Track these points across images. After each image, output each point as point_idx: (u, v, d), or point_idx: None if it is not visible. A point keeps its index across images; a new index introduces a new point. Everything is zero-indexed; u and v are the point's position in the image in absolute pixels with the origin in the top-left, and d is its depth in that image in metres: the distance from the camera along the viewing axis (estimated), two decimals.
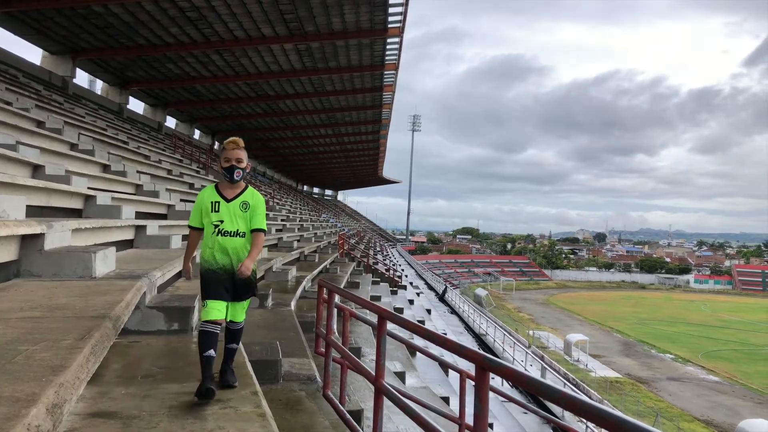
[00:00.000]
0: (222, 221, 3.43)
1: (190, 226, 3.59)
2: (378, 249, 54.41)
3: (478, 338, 34.24)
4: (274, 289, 9.25)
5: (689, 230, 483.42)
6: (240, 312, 3.54)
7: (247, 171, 3.57)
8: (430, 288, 52.06)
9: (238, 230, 3.45)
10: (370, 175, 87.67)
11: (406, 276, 45.85)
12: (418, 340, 10.74)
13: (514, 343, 32.37)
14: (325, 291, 5.30)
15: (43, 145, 9.20)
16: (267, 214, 6.03)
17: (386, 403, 3.37)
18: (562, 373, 29.29)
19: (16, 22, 21.67)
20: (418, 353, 12.41)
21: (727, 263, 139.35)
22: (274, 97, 36.27)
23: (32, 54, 24.65)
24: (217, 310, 3.36)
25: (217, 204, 3.46)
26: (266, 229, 3.63)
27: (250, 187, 3.58)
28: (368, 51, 28.81)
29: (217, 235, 3.41)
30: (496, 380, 16.14)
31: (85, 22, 22.18)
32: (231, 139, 3.53)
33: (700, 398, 34.74)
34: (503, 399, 14.93)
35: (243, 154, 3.52)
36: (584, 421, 16.54)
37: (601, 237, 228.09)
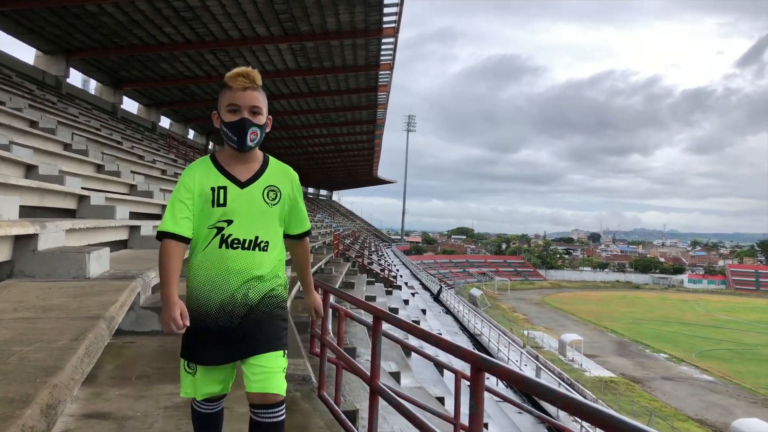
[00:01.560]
0: (230, 222, 2.04)
1: (164, 233, 2.05)
2: (373, 249, 54.39)
3: (473, 338, 34.30)
4: None
5: (683, 230, 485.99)
6: (274, 377, 2.08)
7: (267, 130, 2.19)
8: (425, 288, 52.08)
9: (257, 238, 2.06)
10: (365, 176, 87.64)
11: (401, 276, 45.86)
12: (413, 340, 10.76)
13: (509, 343, 32.42)
14: (320, 291, 5.30)
15: (37, 144, 9.16)
16: None
17: (381, 403, 3.36)
18: (556, 373, 29.36)
19: (9, 21, 21.56)
20: (413, 353, 12.42)
21: (720, 263, 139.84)
22: (269, 97, 35.57)
23: (25, 53, 24.52)
24: (216, 380, 2.13)
25: (222, 191, 2.05)
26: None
27: (273, 159, 2.22)
28: (363, 51, 28.81)
29: (221, 246, 2.04)
30: (491, 380, 16.21)
31: (79, 22, 22.09)
32: (239, 70, 2.13)
33: (694, 397, 34.89)
34: (498, 399, 14.95)
35: (262, 100, 2.17)
36: (579, 420, 16.63)
37: (595, 237, 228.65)
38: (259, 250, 2.06)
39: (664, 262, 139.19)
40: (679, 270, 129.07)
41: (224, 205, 2.04)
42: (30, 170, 7.06)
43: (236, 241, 2.04)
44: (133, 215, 8.40)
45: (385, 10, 24.10)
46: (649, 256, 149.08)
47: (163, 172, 16.98)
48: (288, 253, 2.30)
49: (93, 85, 30.24)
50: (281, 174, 2.16)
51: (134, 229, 7.70)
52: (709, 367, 42.73)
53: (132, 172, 12.75)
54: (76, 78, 29.46)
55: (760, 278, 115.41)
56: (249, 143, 2.07)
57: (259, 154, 2.18)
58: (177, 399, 3.07)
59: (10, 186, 5.43)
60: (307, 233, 2.25)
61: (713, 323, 66.55)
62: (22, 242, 4.31)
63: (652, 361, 45.09)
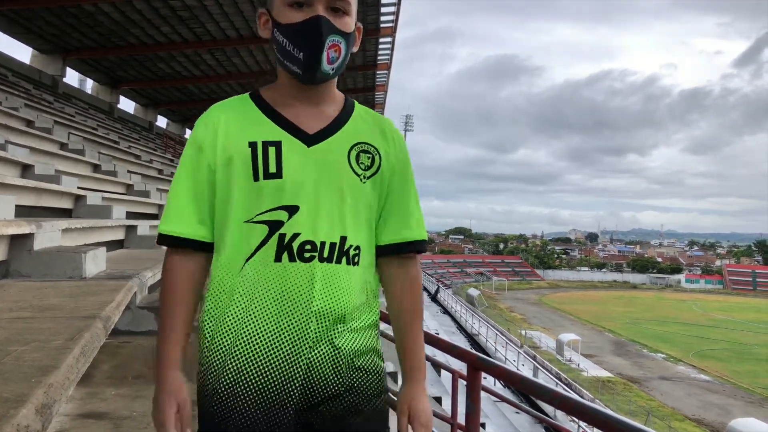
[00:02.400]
0: (293, 210, 1.10)
1: (164, 237, 1.31)
2: None
3: (471, 338, 34.37)
4: None
5: (681, 230, 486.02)
6: None
7: (355, 49, 1.34)
8: (423, 288, 52.17)
9: (344, 240, 1.13)
10: None
11: None
12: None
13: (507, 342, 32.48)
14: None
15: (33, 144, 9.14)
16: None
17: None
18: (554, 372, 29.42)
19: (5, 20, 21.52)
20: None
21: (718, 263, 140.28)
22: None
23: (22, 53, 24.54)
24: None
25: (272, 150, 1.12)
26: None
27: (358, 104, 1.31)
28: (360, 51, 28.76)
29: (279, 259, 1.10)
30: (488, 380, 16.23)
31: (76, 21, 22.06)
32: None
33: (692, 397, 34.97)
34: (495, 399, 14.98)
35: None
36: (577, 420, 16.67)
37: (593, 237, 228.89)
38: (348, 263, 1.13)
39: (661, 261, 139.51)
40: (676, 270, 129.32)
41: (278, 175, 1.10)
42: (26, 170, 7.05)
43: (308, 246, 1.09)
44: (130, 215, 8.39)
45: (383, 10, 24.11)
46: (646, 255, 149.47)
47: (160, 171, 16.97)
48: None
49: (90, 85, 30.19)
50: (377, 126, 1.23)
51: (131, 229, 7.69)
52: (706, 367, 42.85)
53: (129, 171, 12.74)
54: (72, 77, 29.55)
55: (757, 278, 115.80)
56: (325, 66, 1.15)
57: (338, 93, 1.27)
58: None
59: (6, 185, 5.42)
60: (421, 245, 1.26)
61: (710, 323, 66.73)
62: (18, 242, 4.29)
63: (650, 361, 45.20)
